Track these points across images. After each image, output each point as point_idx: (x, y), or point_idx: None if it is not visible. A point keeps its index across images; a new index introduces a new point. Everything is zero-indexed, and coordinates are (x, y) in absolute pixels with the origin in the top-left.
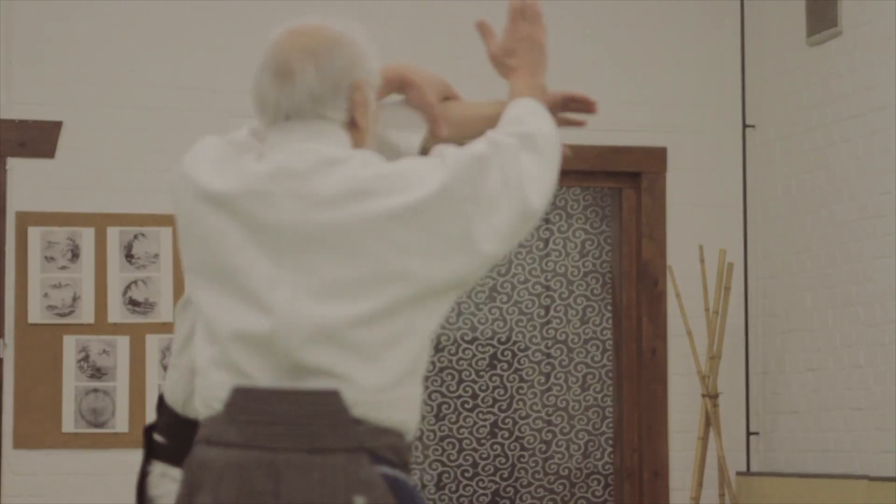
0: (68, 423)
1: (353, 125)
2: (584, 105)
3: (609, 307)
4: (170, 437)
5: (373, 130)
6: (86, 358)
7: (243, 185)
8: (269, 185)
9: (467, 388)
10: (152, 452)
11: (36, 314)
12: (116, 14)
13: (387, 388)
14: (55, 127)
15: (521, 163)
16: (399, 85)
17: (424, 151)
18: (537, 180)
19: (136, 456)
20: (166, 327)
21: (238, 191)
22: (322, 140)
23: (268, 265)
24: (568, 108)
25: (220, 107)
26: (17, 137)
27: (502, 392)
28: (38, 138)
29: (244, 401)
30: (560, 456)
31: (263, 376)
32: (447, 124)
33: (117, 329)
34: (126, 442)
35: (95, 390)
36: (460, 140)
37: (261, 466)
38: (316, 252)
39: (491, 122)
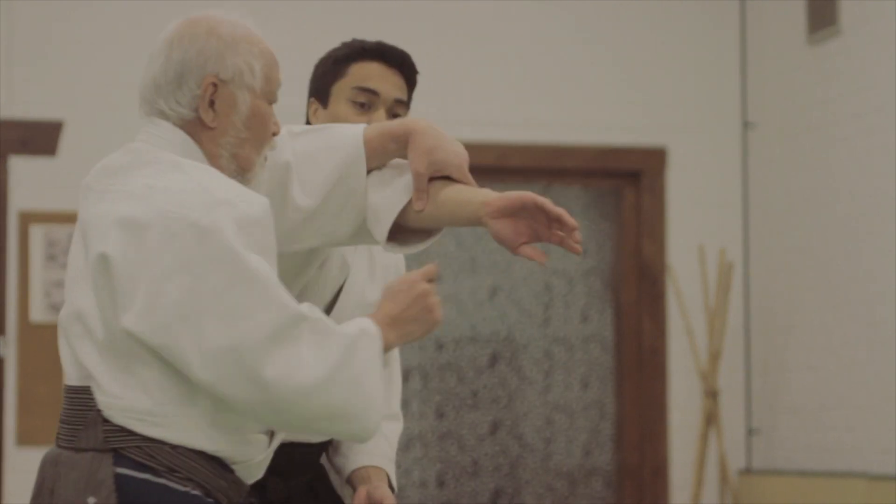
0: None
1: (202, 123)
2: (564, 229)
3: (609, 306)
4: None
5: (250, 137)
6: None
7: (86, 180)
8: (91, 181)
9: (468, 386)
10: None
11: (38, 313)
12: (118, 13)
13: (125, 396)
14: (57, 125)
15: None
16: (403, 141)
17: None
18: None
19: None
20: None
21: (83, 185)
22: (149, 136)
23: (80, 259)
24: (539, 223)
25: None
26: (18, 136)
27: (503, 390)
28: (40, 137)
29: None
30: (561, 454)
31: (69, 373)
32: (427, 200)
33: None
34: None
35: None
36: (434, 220)
37: (52, 463)
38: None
39: (461, 206)
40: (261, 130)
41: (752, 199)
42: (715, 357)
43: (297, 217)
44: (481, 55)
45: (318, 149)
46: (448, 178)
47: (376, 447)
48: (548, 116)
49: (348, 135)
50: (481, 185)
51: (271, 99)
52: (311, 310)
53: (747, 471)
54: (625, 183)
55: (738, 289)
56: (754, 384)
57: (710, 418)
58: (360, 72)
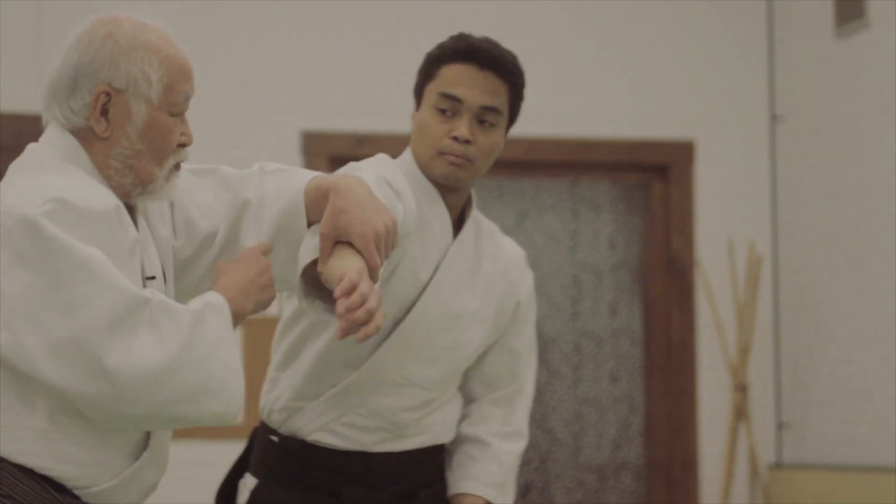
0: None
1: (94, 133)
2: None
3: (638, 300)
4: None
5: (147, 150)
6: None
7: None
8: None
9: None
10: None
11: None
12: (150, 10)
13: None
14: None
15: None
16: (327, 196)
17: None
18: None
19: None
20: None
21: None
22: (43, 139)
23: None
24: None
25: (247, 102)
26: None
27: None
28: None
29: None
30: (590, 448)
31: None
32: (324, 262)
33: None
34: None
35: None
36: (327, 280)
37: None
38: None
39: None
40: (159, 143)
41: (780, 192)
42: (744, 351)
43: None
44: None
45: (271, 193)
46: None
47: (483, 471)
48: (576, 110)
49: (296, 181)
50: (510, 180)
51: (175, 110)
52: (154, 293)
53: (777, 465)
54: (653, 176)
55: (768, 282)
56: (784, 378)
57: (740, 412)
58: (447, 75)
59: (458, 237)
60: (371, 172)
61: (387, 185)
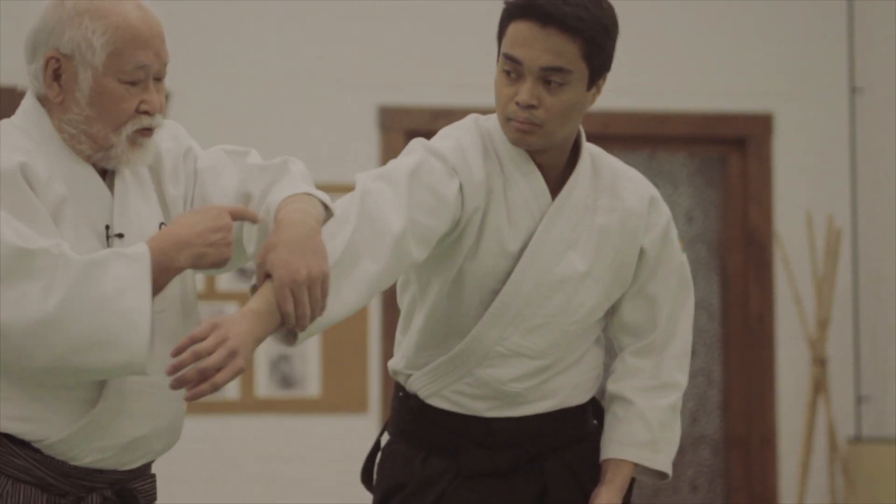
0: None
1: (49, 98)
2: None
3: (716, 273)
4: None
5: (98, 116)
6: None
7: None
8: None
9: None
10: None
11: None
12: None
13: None
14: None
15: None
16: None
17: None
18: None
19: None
20: None
21: None
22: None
23: None
24: None
25: (329, 77)
26: None
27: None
28: None
29: None
30: None
31: None
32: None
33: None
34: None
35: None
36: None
37: None
38: None
39: None
40: (110, 110)
41: (859, 165)
42: (823, 324)
43: None
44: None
45: (272, 195)
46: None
47: (627, 432)
48: (652, 83)
49: (285, 191)
50: None
51: (125, 78)
52: (57, 245)
53: (856, 439)
54: (731, 149)
55: (847, 255)
56: (863, 351)
57: (819, 386)
58: (511, 34)
59: (557, 199)
60: (415, 157)
61: (441, 161)
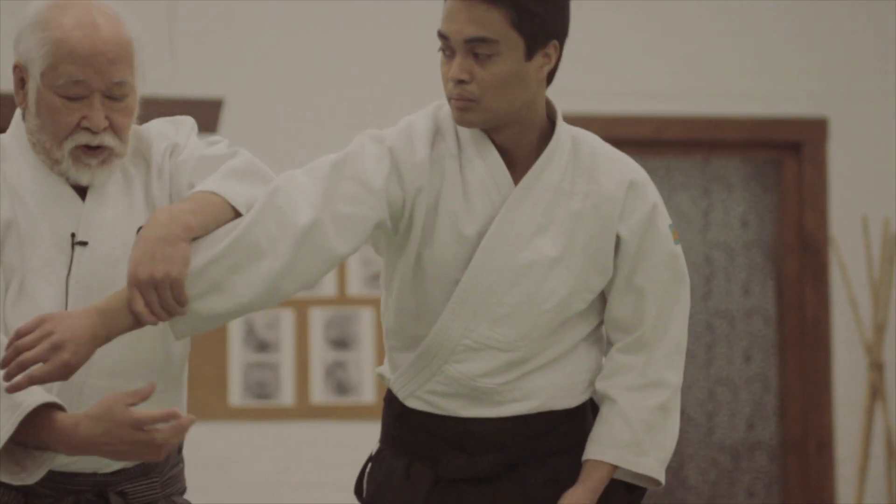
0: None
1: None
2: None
3: (771, 278)
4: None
5: (43, 127)
6: (251, 332)
7: None
8: None
9: None
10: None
11: None
12: None
13: None
14: (217, 103)
15: None
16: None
17: None
18: None
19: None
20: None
21: None
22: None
23: None
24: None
25: (382, 82)
26: (180, 114)
27: None
28: (202, 114)
29: None
30: (724, 428)
31: None
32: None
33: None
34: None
35: (260, 364)
36: None
37: None
38: None
39: None
40: (49, 123)
41: None
42: (880, 329)
43: None
44: (639, 28)
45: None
46: None
47: (607, 433)
48: (706, 88)
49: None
50: (639, 159)
51: (60, 91)
52: None
53: None
54: (786, 154)
55: None
56: None
57: (876, 391)
58: (443, 13)
59: (523, 181)
60: (349, 147)
61: (377, 144)
